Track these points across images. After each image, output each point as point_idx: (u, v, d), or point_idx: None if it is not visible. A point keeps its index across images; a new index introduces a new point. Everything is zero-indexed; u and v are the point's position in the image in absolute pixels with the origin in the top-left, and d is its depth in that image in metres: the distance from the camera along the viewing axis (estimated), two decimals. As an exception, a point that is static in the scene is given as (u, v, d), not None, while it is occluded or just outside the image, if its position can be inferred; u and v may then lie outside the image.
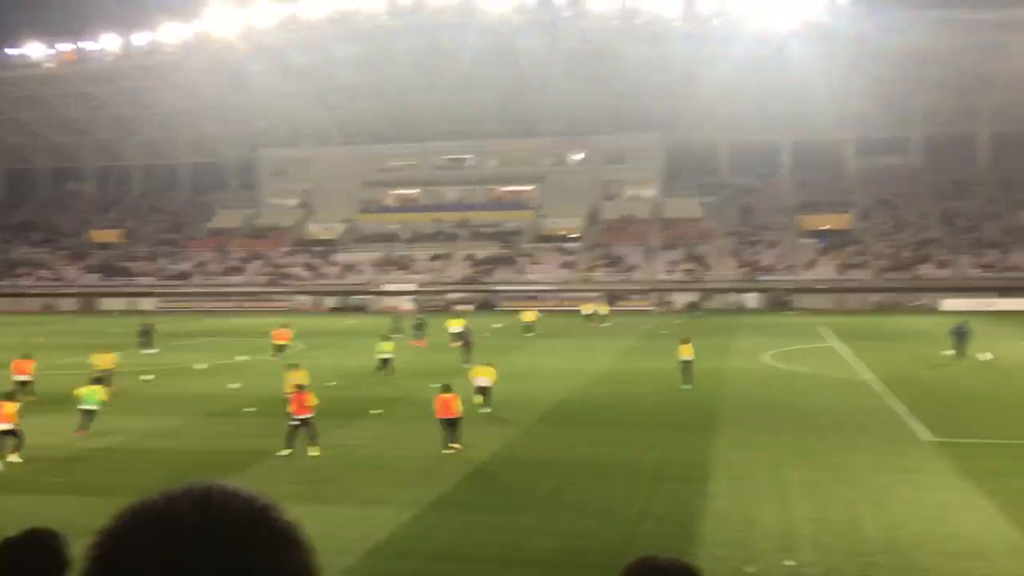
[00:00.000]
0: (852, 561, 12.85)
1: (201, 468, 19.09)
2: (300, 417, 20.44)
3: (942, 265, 74.02)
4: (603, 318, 59.80)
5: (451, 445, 20.30)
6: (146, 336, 44.89)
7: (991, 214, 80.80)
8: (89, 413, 22.23)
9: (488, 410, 24.85)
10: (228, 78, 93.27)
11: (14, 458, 19.57)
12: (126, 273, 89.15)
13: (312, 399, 20.84)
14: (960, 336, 37.38)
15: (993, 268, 72.67)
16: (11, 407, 20.03)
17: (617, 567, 1.78)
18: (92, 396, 22.47)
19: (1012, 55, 78.49)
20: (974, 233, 78.14)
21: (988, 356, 36.04)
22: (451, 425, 20.54)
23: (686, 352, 29.79)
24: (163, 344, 45.64)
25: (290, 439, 20.25)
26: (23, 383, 27.47)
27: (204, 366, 36.95)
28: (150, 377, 33.50)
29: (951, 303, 66.94)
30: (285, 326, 43.23)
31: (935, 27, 74.32)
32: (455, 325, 43.73)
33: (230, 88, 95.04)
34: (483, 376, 25.71)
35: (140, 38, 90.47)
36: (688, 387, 28.71)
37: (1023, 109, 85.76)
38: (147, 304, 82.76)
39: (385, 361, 33.79)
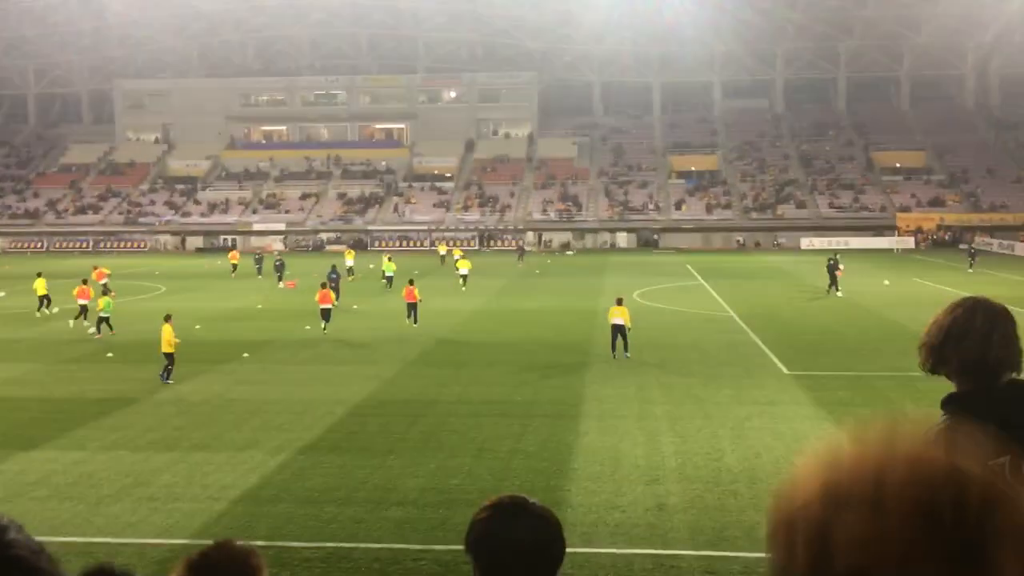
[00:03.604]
0: (714, 491, 13.40)
1: (55, 416, 18.22)
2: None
3: (801, 205, 77.25)
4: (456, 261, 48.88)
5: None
6: None
7: (847, 156, 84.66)
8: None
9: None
10: (79, 3, 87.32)
11: None
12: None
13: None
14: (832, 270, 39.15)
15: (848, 208, 76.34)
16: None
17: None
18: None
19: (870, 2, 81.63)
20: (831, 174, 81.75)
21: (839, 292, 38.03)
22: (413, 308, 30.08)
23: (617, 315, 24.43)
24: (11, 287, 43.08)
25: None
26: None
27: (56, 309, 35.07)
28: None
29: (809, 242, 70.14)
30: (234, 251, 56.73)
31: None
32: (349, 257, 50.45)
33: (82, 14, 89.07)
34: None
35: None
36: (627, 355, 23.99)
37: (879, 55, 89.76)
38: (-7, 244, 77.93)
39: (390, 279, 42.00)
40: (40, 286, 34.32)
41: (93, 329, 29.39)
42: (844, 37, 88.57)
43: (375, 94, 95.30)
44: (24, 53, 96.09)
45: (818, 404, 18.65)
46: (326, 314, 29.36)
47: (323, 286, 31.00)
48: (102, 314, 28.68)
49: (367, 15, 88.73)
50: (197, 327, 29.96)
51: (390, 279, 42.43)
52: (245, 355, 25.07)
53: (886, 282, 42.99)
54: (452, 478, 14.06)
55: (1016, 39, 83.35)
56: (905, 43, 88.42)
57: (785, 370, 22.48)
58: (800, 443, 15.83)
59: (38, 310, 34.04)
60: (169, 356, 21.60)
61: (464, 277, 42.82)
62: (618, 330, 24.23)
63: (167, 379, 21.40)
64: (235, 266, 51.40)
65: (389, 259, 45.79)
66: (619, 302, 24.85)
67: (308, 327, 29.85)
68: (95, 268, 41.22)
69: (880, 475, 0.86)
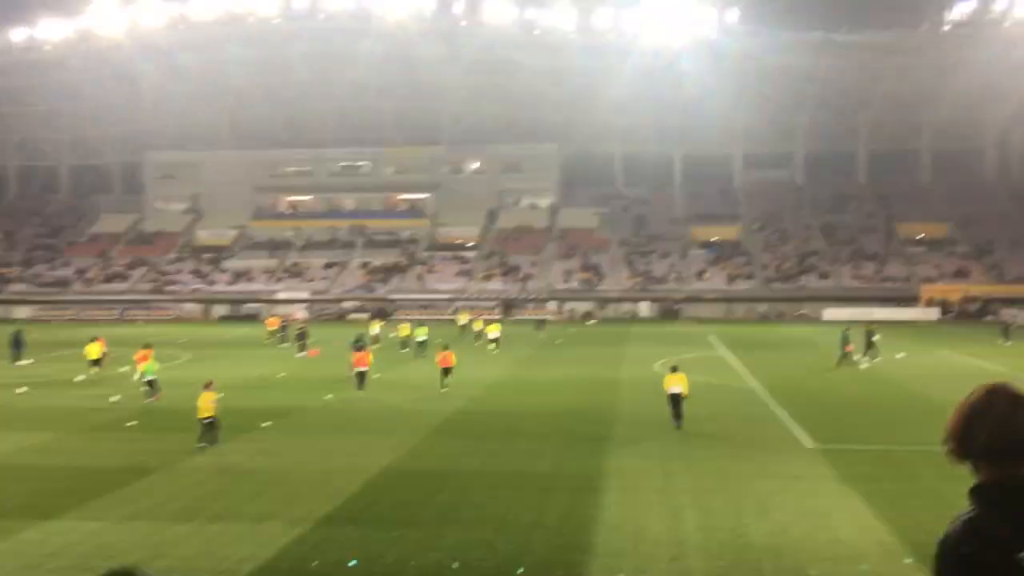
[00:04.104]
0: (738, 568, 13.13)
1: (76, 485, 18.21)
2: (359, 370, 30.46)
3: (824, 276, 77.00)
4: (478, 335, 49.68)
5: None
6: (17, 346, 42.05)
7: (869, 227, 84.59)
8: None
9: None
10: (113, 78, 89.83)
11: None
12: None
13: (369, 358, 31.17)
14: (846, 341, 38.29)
15: (871, 279, 75.98)
16: None
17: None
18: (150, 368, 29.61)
19: (887, 77, 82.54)
20: (853, 245, 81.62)
21: (864, 364, 37.64)
22: (447, 372, 31.71)
23: (674, 383, 24.00)
24: (39, 355, 43.52)
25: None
26: None
27: (83, 377, 35.37)
28: (23, 390, 31.90)
29: (832, 312, 69.63)
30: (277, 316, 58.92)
31: (816, 48, 77.54)
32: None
33: (115, 88, 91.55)
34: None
35: (18, 34, 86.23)
36: (678, 424, 23.73)
37: (899, 127, 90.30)
38: (22, 312, 78.86)
39: (421, 344, 42.92)
40: (92, 350, 36.05)
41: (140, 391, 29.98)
42: (863, 110, 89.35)
43: (400, 165, 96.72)
44: (58, 126, 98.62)
45: (843, 479, 18.32)
46: (362, 377, 30.40)
47: (359, 349, 32.74)
48: (148, 376, 29.42)
49: (393, 89, 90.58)
50: (220, 395, 30.02)
51: (423, 343, 43.41)
52: (265, 424, 25.07)
53: (900, 355, 41.91)
54: (471, 552, 13.86)
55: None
56: (924, 116, 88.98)
57: (809, 443, 22.16)
58: (826, 519, 15.53)
59: (93, 366, 35.90)
60: (201, 421, 21.94)
61: (495, 340, 45.68)
62: (675, 399, 23.79)
63: (202, 444, 21.65)
64: (273, 332, 52.15)
65: (421, 324, 47.47)
66: (674, 369, 24.52)
67: (330, 396, 29.85)
68: (97, 339, 38.44)
69: None
